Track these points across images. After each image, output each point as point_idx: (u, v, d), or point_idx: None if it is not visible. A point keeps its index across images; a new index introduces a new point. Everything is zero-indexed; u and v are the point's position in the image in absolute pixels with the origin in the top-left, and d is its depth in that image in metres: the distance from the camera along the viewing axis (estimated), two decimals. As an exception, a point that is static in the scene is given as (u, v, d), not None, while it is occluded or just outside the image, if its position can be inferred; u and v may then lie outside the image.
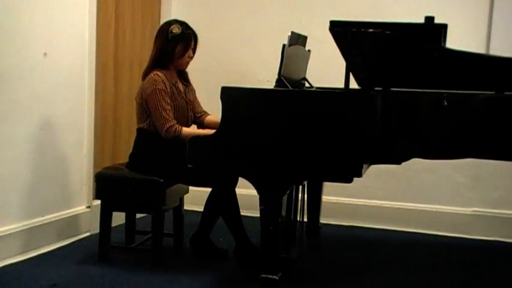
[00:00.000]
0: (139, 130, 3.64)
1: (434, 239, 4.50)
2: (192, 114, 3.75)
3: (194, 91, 3.84)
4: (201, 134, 3.34)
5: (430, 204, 4.68)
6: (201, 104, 3.87)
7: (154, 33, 3.70)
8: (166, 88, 3.53)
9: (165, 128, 3.44)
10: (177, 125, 3.46)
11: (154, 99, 3.48)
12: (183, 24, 3.62)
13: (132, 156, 3.69)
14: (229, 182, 3.52)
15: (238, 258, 3.61)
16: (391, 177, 4.66)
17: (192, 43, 3.64)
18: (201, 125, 3.79)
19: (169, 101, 3.51)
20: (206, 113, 3.85)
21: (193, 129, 3.56)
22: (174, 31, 3.56)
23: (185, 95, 3.70)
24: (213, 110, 3.71)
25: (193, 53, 3.69)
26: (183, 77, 3.75)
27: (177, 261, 3.71)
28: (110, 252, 3.65)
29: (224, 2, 5.03)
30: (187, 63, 3.70)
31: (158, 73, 3.54)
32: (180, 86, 3.68)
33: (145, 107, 3.54)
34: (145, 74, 3.59)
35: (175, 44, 3.58)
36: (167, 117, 3.46)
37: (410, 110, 3.02)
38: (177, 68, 3.68)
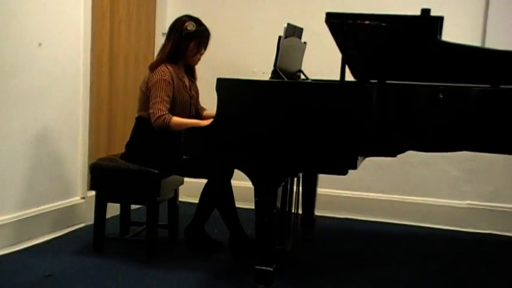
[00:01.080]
0: (139, 118, 3.64)
1: (429, 231, 4.51)
2: (194, 110, 3.75)
3: (198, 91, 3.84)
4: (193, 125, 3.32)
5: (426, 197, 4.69)
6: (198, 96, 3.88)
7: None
8: (173, 82, 3.54)
9: (155, 116, 3.45)
10: (167, 115, 3.45)
11: (157, 88, 3.49)
12: (197, 21, 3.64)
13: (128, 145, 3.69)
14: (224, 174, 3.52)
15: (233, 250, 3.61)
16: (386, 170, 4.66)
17: (207, 41, 3.67)
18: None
19: (170, 94, 3.52)
20: (203, 109, 3.86)
21: (183, 119, 3.54)
22: (189, 28, 3.58)
23: (190, 90, 3.70)
24: (210, 101, 3.68)
25: (205, 49, 3.70)
26: (191, 73, 3.77)
27: (171, 252, 3.71)
28: (105, 243, 3.65)
29: (220, -7, 5.03)
30: (198, 59, 3.73)
31: (168, 66, 3.56)
32: (186, 80, 3.69)
33: (149, 95, 3.54)
34: (154, 66, 3.59)
35: (190, 41, 3.60)
36: (161, 107, 3.46)
37: (406, 103, 3.01)
38: (187, 63, 3.71)
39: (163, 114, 3.45)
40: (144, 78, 3.65)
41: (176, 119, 3.48)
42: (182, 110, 3.59)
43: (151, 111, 3.47)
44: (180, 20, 3.66)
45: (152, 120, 3.46)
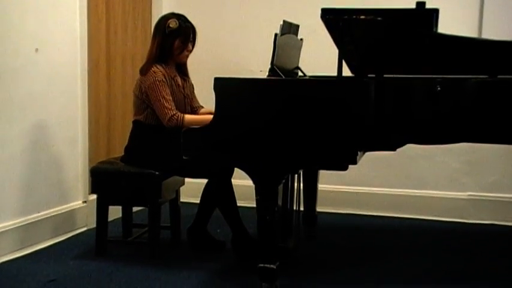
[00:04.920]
0: (135, 122, 3.63)
1: (431, 224, 4.52)
2: (190, 108, 3.74)
3: (193, 86, 3.82)
4: (203, 120, 3.32)
5: (426, 189, 4.70)
6: (196, 96, 3.86)
7: (149, 28, 3.69)
8: (166, 80, 3.52)
9: (168, 117, 3.44)
10: (179, 113, 3.45)
11: (154, 90, 3.47)
12: (181, 18, 3.60)
13: (127, 149, 3.68)
14: (225, 173, 3.52)
15: (235, 249, 3.61)
16: (386, 164, 4.66)
17: (191, 37, 3.62)
18: None
19: (169, 91, 3.51)
20: (201, 107, 3.84)
21: (196, 116, 3.56)
22: (171, 26, 3.53)
23: (183, 89, 3.69)
24: (207, 101, 3.69)
25: (193, 46, 3.67)
26: (182, 71, 3.74)
27: (174, 253, 3.71)
28: (107, 247, 3.65)
29: (215, -7, 5.03)
30: (187, 56, 3.68)
31: (158, 66, 3.54)
32: (179, 80, 3.67)
33: (145, 99, 3.53)
34: (144, 69, 3.56)
35: (174, 39, 3.56)
36: (169, 106, 3.46)
37: (403, 96, 3.02)
38: (177, 62, 3.67)
39: (174, 114, 3.44)
40: (136, 82, 3.63)
41: (189, 117, 3.48)
42: (177, 109, 3.57)
43: (160, 113, 3.46)
44: (163, 19, 3.63)
45: (165, 122, 3.45)
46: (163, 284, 3.19)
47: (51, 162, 3.91)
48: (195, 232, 3.75)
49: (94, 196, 3.73)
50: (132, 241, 3.84)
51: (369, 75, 3.42)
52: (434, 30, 3.11)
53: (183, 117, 3.45)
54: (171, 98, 3.50)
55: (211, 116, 3.39)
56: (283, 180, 3.04)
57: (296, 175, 3.63)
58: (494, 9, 4.39)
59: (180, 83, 3.66)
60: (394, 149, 3.12)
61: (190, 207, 4.08)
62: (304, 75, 3.72)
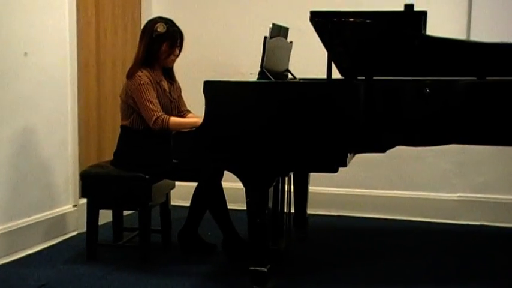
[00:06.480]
0: (122, 127, 3.63)
1: (421, 225, 4.52)
2: (176, 112, 3.73)
3: (180, 89, 3.82)
4: (189, 123, 3.34)
5: (417, 191, 4.71)
6: (185, 99, 3.86)
7: (138, 30, 3.69)
8: (151, 83, 3.52)
9: (153, 119, 3.44)
10: (164, 115, 3.45)
11: (140, 93, 3.47)
12: (168, 22, 3.60)
13: (116, 153, 3.68)
14: (214, 176, 3.52)
15: (226, 252, 3.61)
16: (376, 166, 4.67)
17: (178, 41, 3.62)
18: None
19: (155, 94, 3.51)
20: (188, 111, 3.84)
21: (182, 119, 3.56)
22: (159, 30, 3.54)
23: (170, 93, 3.68)
24: (197, 104, 3.68)
25: (179, 51, 3.67)
26: (169, 75, 3.73)
27: (165, 256, 3.71)
28: (98, 251, 3.64)
29: (204, -4, 5.03)
30: (173, 61, 3.68)
31: (143, 70, 3.54)
32: (165, 84, 3.67)
33: (131, 103, 3.53)
34: (131, 74, 3.56)
35: (161, 43, 3.56)
36: (154, 108, 3.46)
37: (393, 98, 3.03)
38: (163, 66, 3.67)
39: (159, 116, 3.44)
40: (122, 86, 3.63)
41: (175, 119, 3.48)
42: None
43: (146, 116, 3.47)
44: (151, 22, 3.63)
45: (150, 125, 3.45)
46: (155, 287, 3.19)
47: (40, 166, 3.90)
48: (186, 235, 3.74)
49: (84, 200, 3.72)
50: (122, 245, 3.83)
51: (358, 78, 3.42)
52: (422, 32, 3.13)
53: (168, 119, 3.45)
54: (157, 100, 3.50)
55: (196, 119, 3.43)
56: (274, 183, 3.05)
57: (286, 177, 3.64)
58: (482, 11, 4.41)
59: (166, 88, 3.66)
60: (383, 151, 3.13)
61: (181, 210, 4.08)
62: (294, 77, 3.72)
